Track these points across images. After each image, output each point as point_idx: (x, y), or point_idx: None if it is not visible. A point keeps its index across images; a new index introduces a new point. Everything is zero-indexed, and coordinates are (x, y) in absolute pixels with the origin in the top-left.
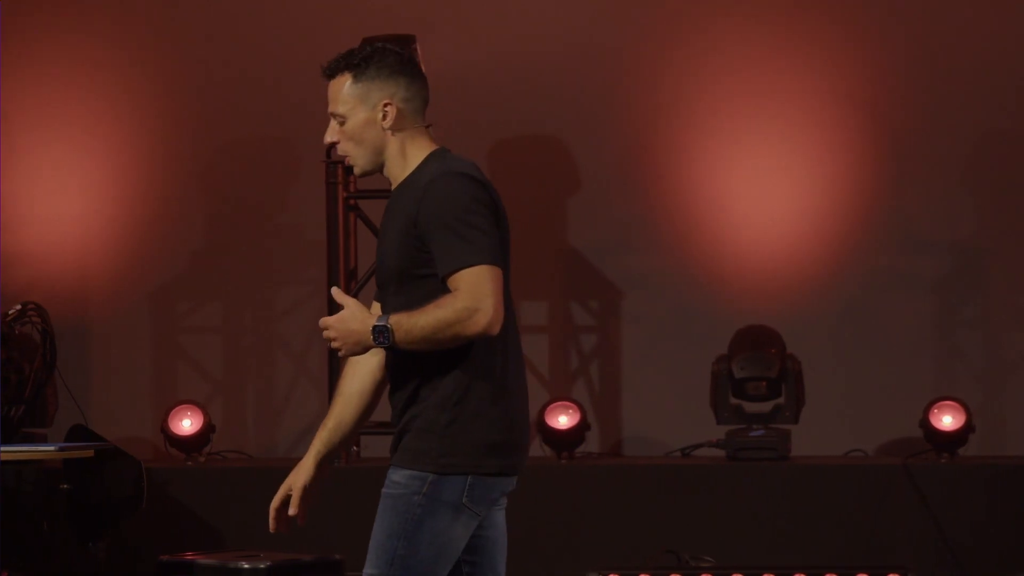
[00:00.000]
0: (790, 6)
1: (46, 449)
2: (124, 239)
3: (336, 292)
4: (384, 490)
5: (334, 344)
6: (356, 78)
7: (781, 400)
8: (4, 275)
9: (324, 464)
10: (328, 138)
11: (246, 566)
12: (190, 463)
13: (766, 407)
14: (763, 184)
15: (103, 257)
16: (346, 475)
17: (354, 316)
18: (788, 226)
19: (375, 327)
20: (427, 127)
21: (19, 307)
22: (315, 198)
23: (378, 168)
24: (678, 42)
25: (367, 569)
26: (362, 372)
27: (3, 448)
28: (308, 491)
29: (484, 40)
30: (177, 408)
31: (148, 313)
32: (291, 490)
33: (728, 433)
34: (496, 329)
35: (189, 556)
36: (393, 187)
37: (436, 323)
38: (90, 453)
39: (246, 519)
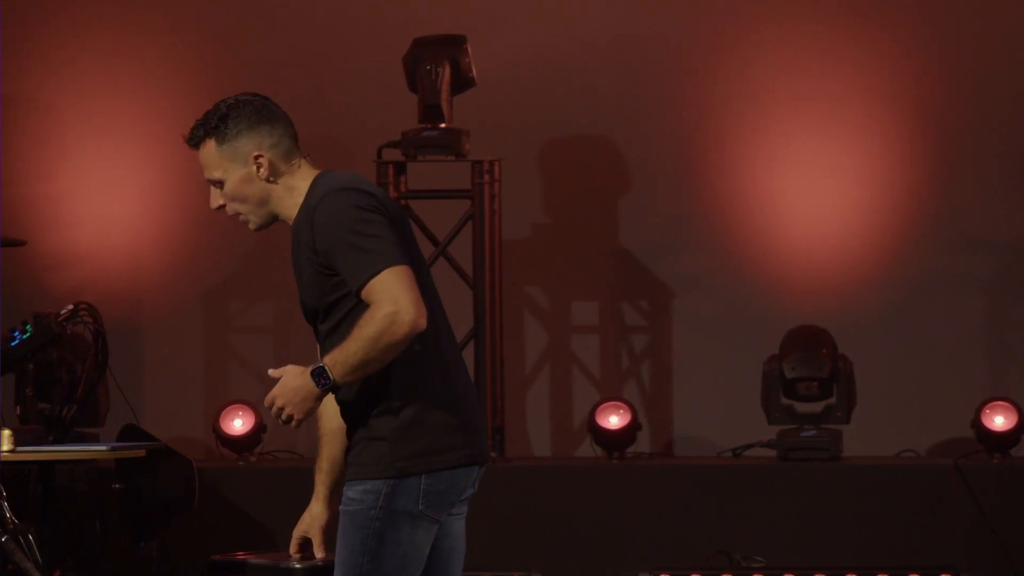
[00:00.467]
0: (841, 6)
1: (98, 449)
2: (176, 239)
3: (271, 371)
4: (341, 507)
5: (285, 413)
6: (219, 141)
7: (832, 400)
8: (57, 275)
9: (332, 501)
10: (214, 204)
11: (298, 566)
12: (241, 463)
13: (817, 407)
14: (814, 184)
15: (155, 257)
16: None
17: (291, 374)
18: (839, 226)
19: (313, 371)
20: (304, 157)
21: (71, 307)
22: None
23: (272, 218)
24: (730, 42)
25: None
26: (334, 408)
27: (56, 448)
28: (326, 531)
29: (534, 40)
30: (228, 408)
31: (200, 313)
32: (306, 535)
33: (779, 433)
34: (423, 322)
35: (241, 556)
36: (293, 227)
37: (366, 343)
38: (142, 453)
39: (297, 519)
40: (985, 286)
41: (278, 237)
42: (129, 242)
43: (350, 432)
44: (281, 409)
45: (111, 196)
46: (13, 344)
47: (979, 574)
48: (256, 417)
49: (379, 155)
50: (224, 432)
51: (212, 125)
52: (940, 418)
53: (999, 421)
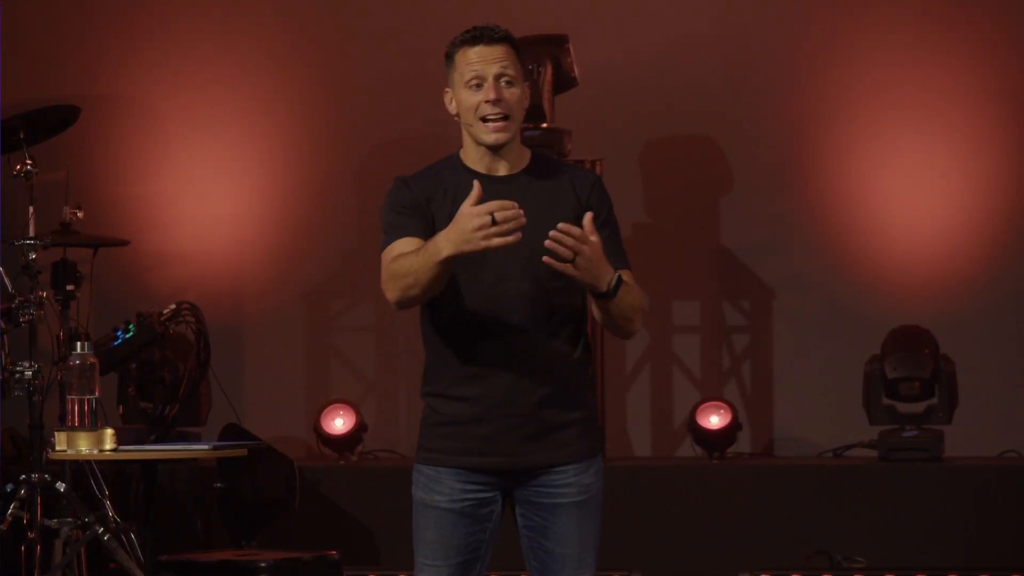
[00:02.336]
0: (948, 3)
1: (200, 448)
2: (278, 239)
3: (590, 219)
4: (582, 496)
5: (580, 260)
6: (516, 53)
7: (934, 401)
8: (159, 275)
9: None
10: (495, 95)
11: (245, 565)
12: (342, 462)
13: (919, 408)
14: (916, 183)
15: (257, 257)
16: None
17: (600, 254)
18: (941, 225)
19: (616, 279)
20: None
21: (174, 307)
22: None
23: (510, 141)
24: (833, 40)
25: (584, 573)
26: None
27: (158, 447)
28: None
29: (636, 39)
30: (330, 407)
31: (301, 312)
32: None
33: (881, 434)
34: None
35: (187, 556)
36: (501, 171)
37: (639, 304)
38: (244, 452)
39: (397, 518)
40: None
41: (379, 238)
42: (231, 242)
43: (548, 415)
44: (585, 259)
45: (213, 196)
46: (116, 343)
47: None
48: (357, 416)
49: None
50: (325, 431)
51: (513, 40)
52: None
53: None
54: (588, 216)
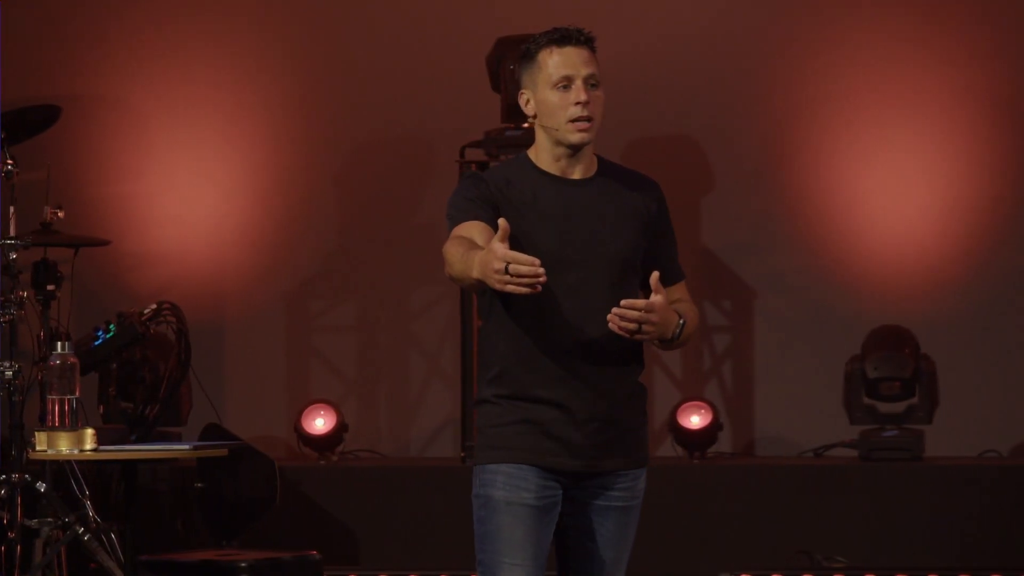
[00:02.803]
0: (929, 5)
1: (181, 448)
2: (259, 239)
3: (656, 279)
4: (632, 502)
5: (648, 329)
6: (596, 59)
7: (915, 400)
8: (140, 275)
9: None
10: (582, 97)
11: (226, 564)
12: (323, 462)
13: (900, 407)
14: (897, 184)
15: (238, 257)
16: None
17: (666, 307)
18: (923, 226)
19: (681, 324)
20: None
21: (154, 306)
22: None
23: (590, 143)
24: (813, 41)
25: None
26: None
27: (138, 447)
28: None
29: (618, 39)
30: (310, 407)
31: (282, 313)
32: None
33: (861, 433)
34: None
35: (167, 556)
36: (575, 175)
37: (694, 330)
38: (224, 452)
39: (378, 518)
40: None
41: (360, 238)
42: (212, 242)
43: (622, 419)
44: (651, 326)
45: (194, 196)
46: (97, 343)
47: None
48: (337, 416)
49: (462, 154)
50: (306, 431)
51: (593, 39)
52: (1023, 418)
53: None
54: (655, 276)
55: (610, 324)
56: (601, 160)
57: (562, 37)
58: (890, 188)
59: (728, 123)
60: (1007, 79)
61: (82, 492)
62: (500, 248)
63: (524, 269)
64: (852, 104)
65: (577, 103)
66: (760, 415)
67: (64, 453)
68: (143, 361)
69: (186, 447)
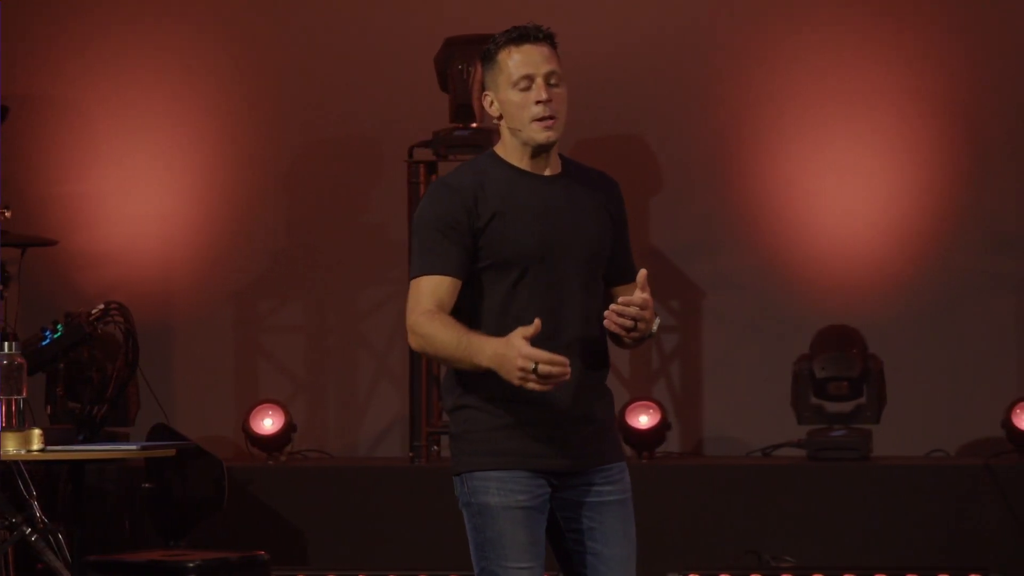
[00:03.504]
0: (873, 6)
1: (128, 448)
2: (207, 239)
3: (644, 276)
4: (623, 494)
5: (642, 327)
6: (556, 52)
7: (862, 400)
8: (88, 275)
9: None
10: (544, 96)
11: (174, 565)
12: (271, 462)
13: (847, 407)
14: (845, 184)
15: (185, 257)
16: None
17: (651, 304)
18: (871, 226)
19: (657, 320)
20: None
21: (102, 307)
22: (397, 198)
23: (556, 140)
24: (762, 42)
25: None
26: None
27: (86, 447)
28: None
29: (566, 39)
30: (258, 407)
31: (230, 312)
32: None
33: (809, 433)
34: None
35: (115, 556)
36: (547, 172)
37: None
38: (172, 452)
39: (326, 518)
40: (1016, 285)
41: (308, 238)
42: (160, 242)
43: (599, 416)
44: (644, 322)
45: (142, 196)
46: (44, 343)
47: (1009, 574)
48: (286, 416)
49: (410, 154)
50: (254, 431)
51: (553, 35)
52: (970, 418)
53: None
54: (642, 273)
55: (606, 322)
56: (563, 158)
57: (520, 36)
58: (838, 188)
59: (677, 123)
60: (949, 80)
61: (29, 493)
62: (524, 347)
63: (555, 371)
64: (800, 104)
65: (538, 102)
66: (708, 415)
67: (11, 453)
68: (91, 361)
69: (134, 447)
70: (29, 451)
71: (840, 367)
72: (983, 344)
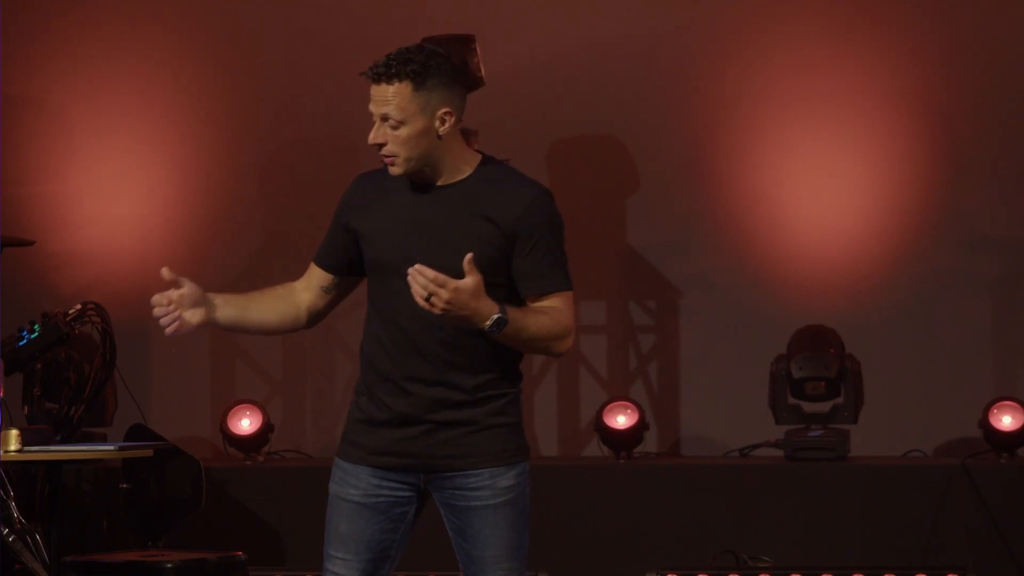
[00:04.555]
0: (849, 7)
1: (106, 448)
2: (184, 239)
3: (469, 262)
4: (496, 498)
5: (439, 303)
6: (417, 87)
7: (840, 400)
8: (65, 275)
9: (209, 305)
10: (376, 139)
11: (151, 565)
12: (248, 463)
13: (825, 407)
14: (822, 184)
15: (163, 257)
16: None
17: (479, 292)
18: (847, 226)
19: (498, 318)
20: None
21: (79, 307)
22: None
23: (418, 170)
24: (738, 42)
25: (503, 575)
26: (293, 301)
27: (63, 448)
28: (184, 296)
29: (543, 40)
30: (236, 408)
31: None
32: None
33: (787, 433)
34: (568, 351)
35: (93, 556)
36: (439, 181)
37: (546, 332)
38: (149, 453)
39: (304, 518)
40: (992, 286)
41: (286, 238)
42: (137, 242)
43: (458, 421)
44: (446, 303)
45: (119, 196)
46: (21, 344)
47: (986, 574)
48: (263, 417)
49: None
50: (231, 432)
51: (414, 69)
52: (947, 418)
53: (1006, 421)
54: (468, 257)
55: (408, 277)
56: (483, 163)
57: (372, 74)
58: (815, 188)
59: (653, 123)
60: (924, 81)
61: (6, 493)
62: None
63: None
64: (777, 103)
65: (369, 143)
66: (686, 415)
67: None
68: (68, 361)
69: (111, 448)
70: (7, 451)
71: (817, 367)
72: (960, 344)
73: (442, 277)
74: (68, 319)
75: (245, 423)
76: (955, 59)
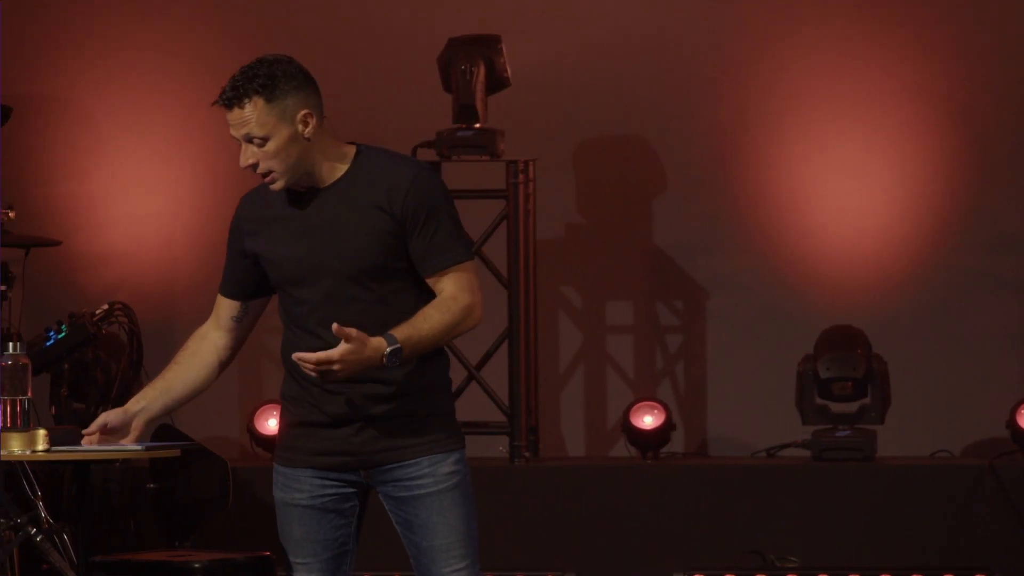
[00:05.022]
0: (876, 7)
1: (133, 449)
2: (210, 238)
3: (336, 328)
4: (439, 485)
5: (334, 377)
6: (269, 99)
7: (867, 400)
8: (91, 275)
9: (139, 414)
10: (247, 161)
11: (178, 565)
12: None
13: (852, 407)
14: (849, 184)
15: (189, 256)
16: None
17: (361, 348)
18: (874, 226)
19: (390, 353)
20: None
21: (106, 307)
22: None
23: (300, 177)
24: (766, 42)
25: (456, 564)
26: (209, 351)
27: (91, 448)
28: (112, 433)
29: (569, 40)
30: (263, 407)
31: None
32: (118, 423)
33: (814, 433)
34: (479, 320)
35: (120, 556)
36: (322, 184)
37: (445, 329)
38: (177, 453)
39: None
40: (1020, 285)
41: None
42: (163, 241)
43: (389, 414)
44: (338, 372)
45: (145, 196)
46: (48, 344)
47: (1012, 575)
48: None
49: (414, 154)
50: (258, 432)
51: (261, 83)
52: (974, 418)
53: None
54: (334, 327)
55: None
56: (358, 154)
57: (223, 99)
58: (843, 189)
59: (680, 123)
60: (961, 79)
61: (34, 493)
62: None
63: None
64: (803, 104)
65: (244, 167)
66: (713, 415)
67: (16, 454)
68: (95, 362)
69: (138, 448)
70: (34, 451)
71: (844, 367)
72: (987, 344)
73: (322, 355)
74: (95, 319)
75: (272, 423)
76: (981, 59)
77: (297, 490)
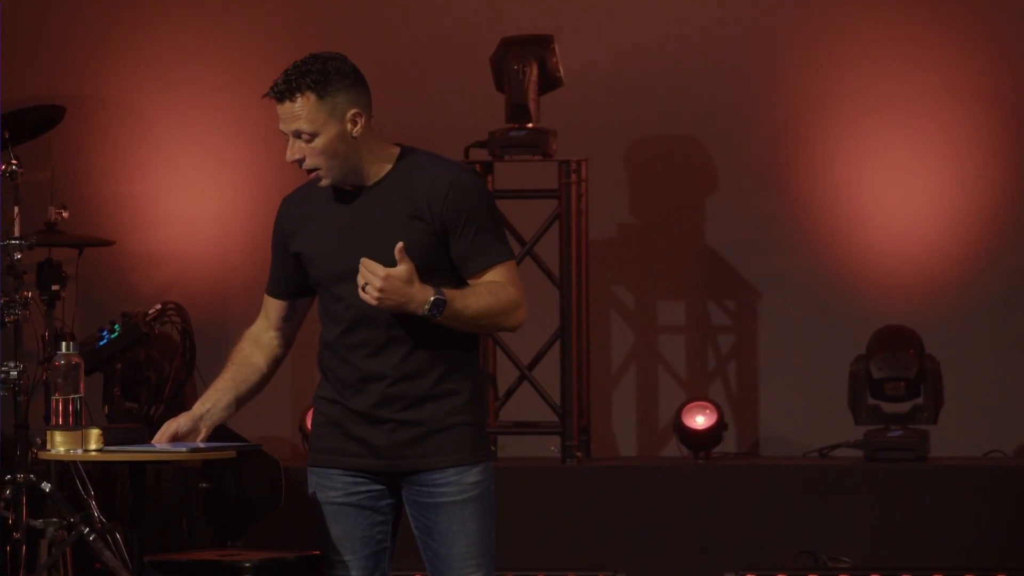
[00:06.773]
0: (931, 6)
1: (184, 450)
2: (263, 238)
3: (400, 250)
4: (460, 496)
5: (374, 294)
6: (320, 95)
7: (919, 401)
8: (144, 275)
9: (206, 418)
10: (294, 156)
11: (230, 565)
12: None
13: (904, 407)
14: (902, 184)
15: (242, 256)
16: None
17: (412, 278)
18: (927, 226)
19: (435, 300)
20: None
21: (159, 307)
22: None
23: (347, 176)
24: (818, 41)
25: (471, 573)
26: (263, 350)
27: (143, 448)
28: (178, 436)
29: (622, 39)
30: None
31: None
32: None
33: (866, 434)
34: (523, 321)
35: (172, 556)
36: (367, 183)
37: (491, 306)
38: (232, 454)
39: None
40: None
41: None
42: (216, 241)
43: (417, 421)
44: (379, 291)
45: (198, 195)
46: (101, 344)
47: None
48: None
49: (466, 155)
50: (310, 431)
51: (314, 79)
52: None
53: None
54: (399, 246)
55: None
56: (402, 155)
57: (274, 95)
58: (894, 189)
59: (732, 123)
60: (1010, 80)
61: (87, 492)
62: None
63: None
64: (857, 105)
65: (290, 160)
66: (765, 415)
67: (70, 453)
68: (148, 361)
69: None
70: (86, 451)
71: (897, 367)
72: None
73: (375, 264)
74: (148, 319)
75: None
76: None
77: (331, 488)
